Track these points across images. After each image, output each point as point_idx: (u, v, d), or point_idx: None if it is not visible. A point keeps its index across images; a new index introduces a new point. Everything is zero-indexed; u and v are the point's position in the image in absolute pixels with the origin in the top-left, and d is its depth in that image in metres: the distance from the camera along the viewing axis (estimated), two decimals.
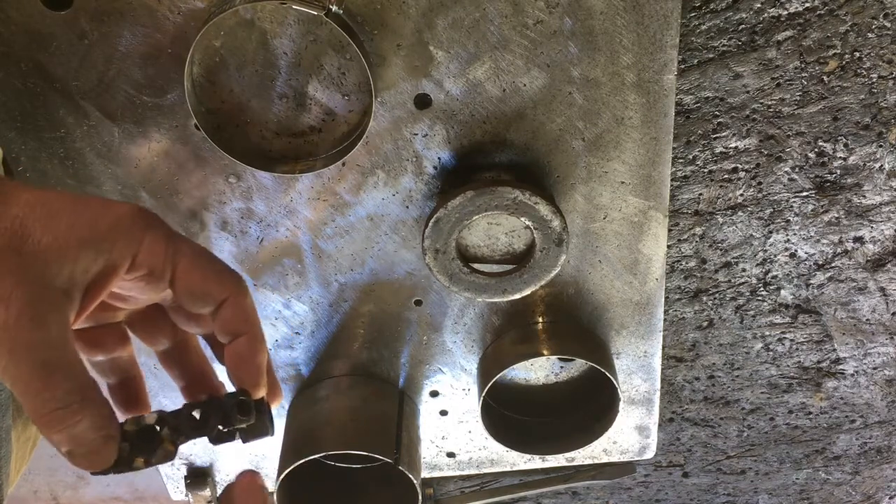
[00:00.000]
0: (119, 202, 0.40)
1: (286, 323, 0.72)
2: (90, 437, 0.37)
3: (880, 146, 0.71)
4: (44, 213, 0.37)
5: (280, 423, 0.76)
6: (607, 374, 0.70)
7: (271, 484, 0.73)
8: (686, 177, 0.74)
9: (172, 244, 0.41)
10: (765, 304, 0.83)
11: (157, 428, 0.40)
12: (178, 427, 0.41)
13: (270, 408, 0.43)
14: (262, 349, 0.43)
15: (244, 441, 0.42)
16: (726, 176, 0.73)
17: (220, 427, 0.41)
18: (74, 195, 0.39)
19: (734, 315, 0.84)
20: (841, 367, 0.89)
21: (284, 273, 0.68)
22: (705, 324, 0.85)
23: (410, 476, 0.71)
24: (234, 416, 0.41)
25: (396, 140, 0.60)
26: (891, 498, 1.06)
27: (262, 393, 0.43)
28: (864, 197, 0.75)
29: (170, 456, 0.40)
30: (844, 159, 0.72)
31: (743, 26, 0.65)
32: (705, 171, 0.73)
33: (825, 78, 0.68)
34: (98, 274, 0.38)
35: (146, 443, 0.40)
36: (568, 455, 0.81)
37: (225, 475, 0.85)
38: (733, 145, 0.71)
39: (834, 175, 0.73)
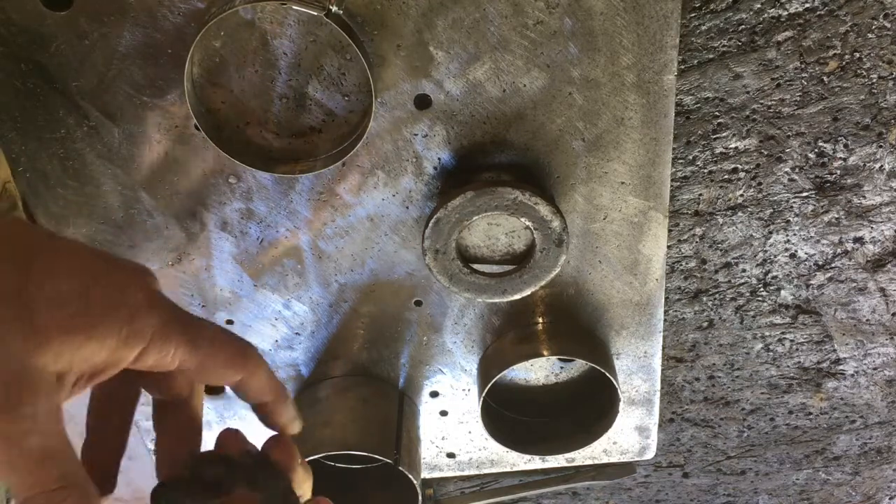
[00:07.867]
0: (136, 280, 0.38)
1: (286, 323, 0.72)
2: None
3: (880, 146, 0.71)
4: (54, 292, 0.35)
5: None
6: (607, 374, 0.70)
7: None
8: (686, 177, 0.74)
9: (184, 335, 0.40)
10: (765, 304, 0.83)
11: None
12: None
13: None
14: (288, 407, 0.45)
15: None
16: (726, 176, 0.73)
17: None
18: (92, 266, 0.37)
19: (734, 315, 0.84)
20: (841, 367, 0.89)
21: (284, 273, 0.68)
22: (705, 324, 0.85)
23: (410, 476, 0.71)
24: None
25: (396, 140, 0.60)
26: (891, 498, 1.06)
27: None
28: (864, 197, 0.75)
29: None
30: (844, 160, 0.72)
31: (743, 27, 0.65)
32: (705, 171, 0.73)
33: (825, 78, 0.68)
34: (98, 365, 0.37)
35: None
36: (568, 455, 0.81)
37: None
38: (733, 146, 0.71)
39: (834, 175, 0.73)
